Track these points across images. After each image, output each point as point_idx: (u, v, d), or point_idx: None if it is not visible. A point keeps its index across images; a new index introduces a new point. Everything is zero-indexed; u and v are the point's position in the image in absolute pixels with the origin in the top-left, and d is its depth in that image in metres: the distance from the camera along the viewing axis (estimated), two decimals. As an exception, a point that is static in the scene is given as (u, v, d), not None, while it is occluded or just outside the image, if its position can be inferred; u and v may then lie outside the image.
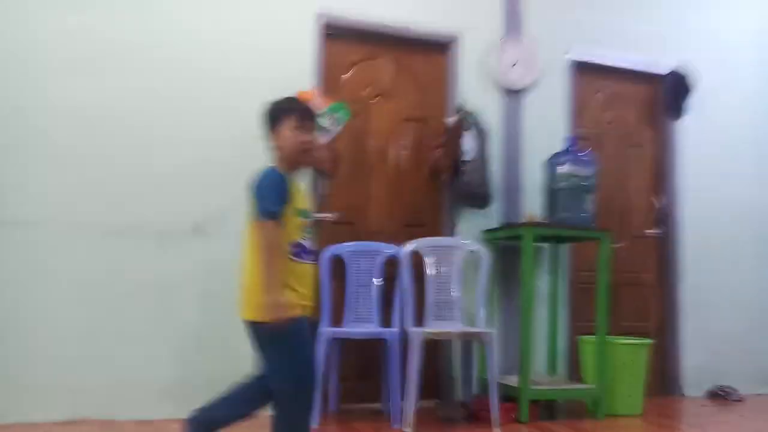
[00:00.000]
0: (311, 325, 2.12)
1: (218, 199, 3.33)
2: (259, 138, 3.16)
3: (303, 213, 2.10)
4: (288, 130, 2.09)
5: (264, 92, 3.36)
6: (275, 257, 1.93)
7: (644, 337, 3.82)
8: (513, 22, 4.06)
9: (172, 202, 3.28)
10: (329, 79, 3.70)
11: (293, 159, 2.11)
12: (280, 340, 1.94)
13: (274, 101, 2.20)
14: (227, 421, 2.10)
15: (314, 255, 2.15)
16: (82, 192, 3.16)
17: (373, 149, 3.79)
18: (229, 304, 3.18)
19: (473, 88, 3.90)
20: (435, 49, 3.95)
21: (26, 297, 3.04)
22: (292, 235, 2.03)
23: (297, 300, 1.99)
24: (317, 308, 3.33)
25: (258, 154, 3.28)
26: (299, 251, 2.04)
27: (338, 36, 3.73)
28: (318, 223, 3.55)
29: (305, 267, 2.07)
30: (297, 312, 1.97)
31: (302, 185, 2.18)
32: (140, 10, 3.33)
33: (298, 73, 3.56)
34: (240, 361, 3.01)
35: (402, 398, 3.07)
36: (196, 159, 3.35)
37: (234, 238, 3.27)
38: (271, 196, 1.97)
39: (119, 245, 3.17)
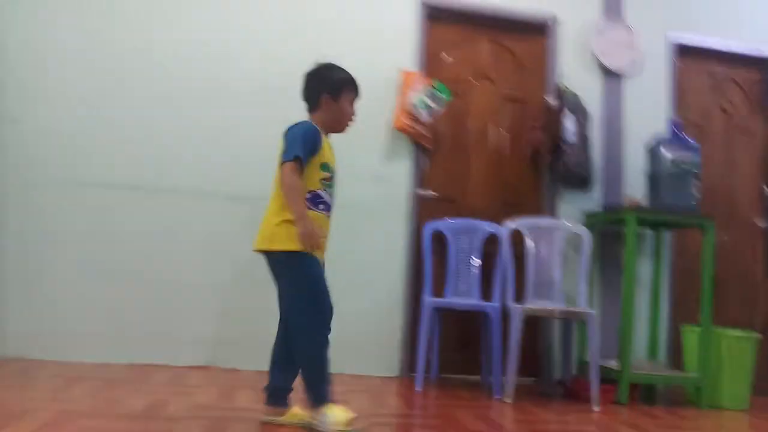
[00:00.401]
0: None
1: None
2: (361, 114, 3.33)
3: (327, 167, 2.23)
4: (347, 103, 2.30)
5: (368, 71, 3.55)
6: (299, 195, 2.11)
7: (750, 331, 3.71)
8: (613, 3, 4.02)
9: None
10: (430, 60, 3.77)
11: (336, 127, 2.32)
12: (303, 266, 2.15)
13: (333, 68, 2.33)
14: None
15: (329, 208, 2.26)
16: (211, 164, 3.43)
17: (473, 129, 3.85)
18: (331, 272, 3.41)
19: (573, 70, 3.90)
20: (535, 31, 3.96)
21: (170, 255, 3.35)
22: (313, 184, 2.19)
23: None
24: (419, 279, 3.47)
25: (360, 128, 3.48)
26: (316, 200, 2.20)
27: (440, 18, 3.80)
28: (419, 199, 3.66)
29: (318, 216, 2.20)
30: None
31: (331, 143, 2.33)
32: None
33: (400, 53, 3.66)
34: (337, 313, 3.18)
35: (502, 372, 3.12)
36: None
37: (342, 208, 3.48)
38: (300, 142, 2.13)
39: (240, 210, 3.37)
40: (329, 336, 2.21)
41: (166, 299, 3.31)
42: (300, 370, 2.20)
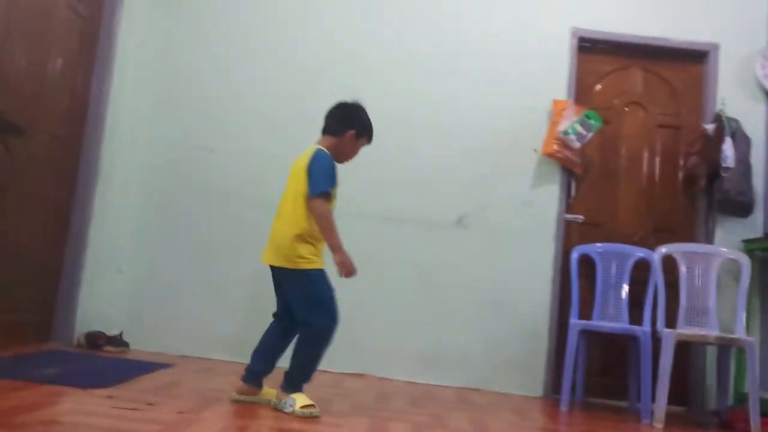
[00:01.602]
0: None
1: (478, 195, 3.73)
2: (511, 139, 3.55)
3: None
4: (357, 145, 2.56)
5: (522, 96, 3.79)
6: (333, 227, 2.39)
7: None
8: (780, 28, 3.89)
9: (438, 196, 3.73)
10: (582, 88, 3.90)
11: (340, 159, 2.54)
12: (322, 284, 2.42)
13: (364, 112, 2.58)
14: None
15: None
16: (381, 189, 3.74)
17: (624, 155, 3.89)
18: (480, 292, 3.59)
19: (733, 96, 3.82)
20: (690, 59, 3.94)
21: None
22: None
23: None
24: (566, 302, 3.56)
25: (510, 154, 3.72)
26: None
27: (592, 49, 3.92)
28: (566, 223, 3.76)
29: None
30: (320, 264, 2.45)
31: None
32: (421, 21, 3.90)
33: (553, 82, 3.84)
34: (484, 333, 3.35)
35: (652, 397, 3.11)
36: (459, 156, 3.78)
37: (491, 231, 3.68)
38: (328, 177, 2.42)
39: (403, 233, 3.69)
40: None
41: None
42: (294, 360, 2.46)
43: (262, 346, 2.57)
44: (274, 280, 2.54)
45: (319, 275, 2.44)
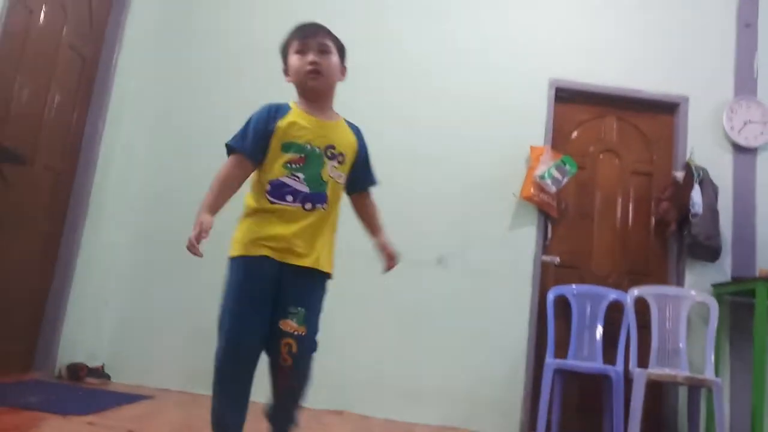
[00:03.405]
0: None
1: (459, 236, 3.85)
2: (491, 183, 3.67)
3: (293, 147, 1.79)
4: (292, 55, 1.87)
5: (501, 146, 3.95)
6: (215, 184, 1.83)
7: None
8: (746, 81, 4.11)
9: (420, 235, 3.84)
10: (559, 135, 4.08)
11: (302, 86, 1.87)
12: (227, 282, 1.84)
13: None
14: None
15: (306, 198, 1.79)
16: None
17: (599, 199, 4.05)
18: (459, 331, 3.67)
19: (703, 146, 4.00)
20: (662, 109, 4.15)
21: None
22: (273, 173, 1.79)
23: (256, 239, 1.78)
24: (542, 342, 3.64)
25: (490, 197, 3.86)
26: (281, 191, 1.78)
27: (569, 98, 4.12)
28: (543, 265, 3.88)
29: (284, 209, 1.77)
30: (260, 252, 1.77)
31: (314, 119, 1.86)
32: (405, 71, 4.07)
33: (531, 129, 4.01)
34: (463, 371, 3.42)
35: (623, 436, 3.18)
36: (441, 198, 3.92)
37: (471, 271, 3.79)
38: (239, 132, 1.84)
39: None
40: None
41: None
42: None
43: None
44: None
45: (231, 266, 1.83)
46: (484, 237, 3.87)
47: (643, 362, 3.46)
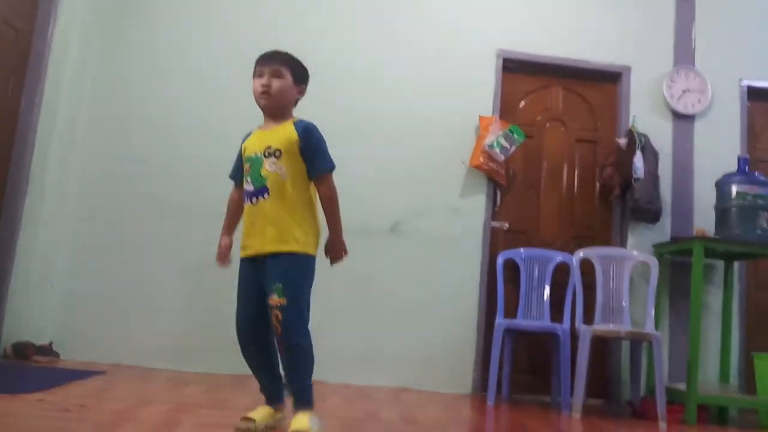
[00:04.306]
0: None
1: (411, 204, 3.91)
2: (442, 152, 3.71)
3: (247, 160, 2.19)
4: (254, 79, 2.22)
5: (451, 117, 4.01)
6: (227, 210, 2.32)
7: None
8: (685, 51, 4.26)
9: (373, 204, 3.88)
10: (507, 105, 4.15)
11: (257, 102, 2.22)
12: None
13: None
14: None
15: (255, 194, 2.14)
16: None
17: (546, 167, 4.16)
18: (412, 296, 3.73)
19: (644, 114, 4.15)
20: (605, 79, 4.26)
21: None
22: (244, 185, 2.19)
23: (241, 246, 2.19)
24: (493, 304, 3.74)
25: (441, 165, 3.92)
26: (243, 196, 2.19)
27: (516, 69, 4.19)
28: (493, 231, 3.98)
29: (246, 209, 2.18)
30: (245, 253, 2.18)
31: (261, 132, 2.24)
32: (357, 40, 4.06)
33: (480, 99, 4.07)
34: (416, 334, 3.49)
35: (571, 391, 3.31)
36: (393, 167, 3.95)
37: (423, 238, 3.85)
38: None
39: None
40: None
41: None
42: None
43: None
44: None
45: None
46: (436, 205, 3.93)
47: (588, 320, 3.61)
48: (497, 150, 3.91)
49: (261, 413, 2.16)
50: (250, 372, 2.28)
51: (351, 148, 3.90)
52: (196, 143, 3.87)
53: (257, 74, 2.21)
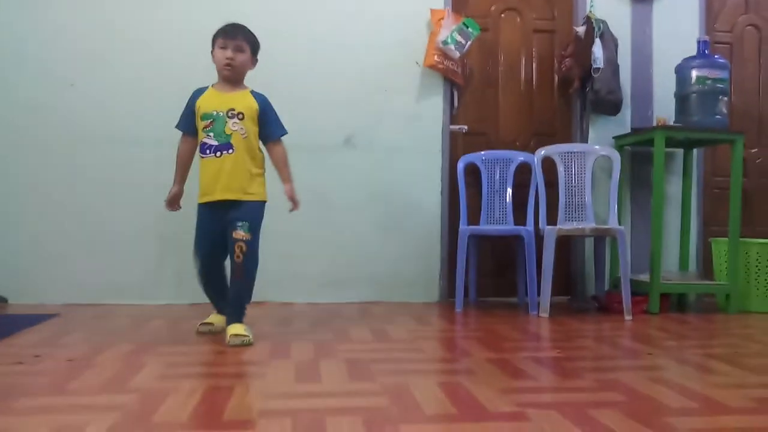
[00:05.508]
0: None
1: (364, 114, 3.70)
2: (393, 54, 3.47)
3: (205, 116, 2.49)
4: (217, 49, 2.53)
5: (400, 7, 3.73)
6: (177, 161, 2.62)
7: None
8: (642, -72, 4.01)
9: (324, 118, 3.66)
10: (459, -3, 3.88)
11: (219, 72, 2.55)
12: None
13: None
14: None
15: (219, 149, 2.47)
16: None
17: (503, 62, 3.97)
18: (374, 209, 3.61)
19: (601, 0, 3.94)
20: (562, -38, 4.00)
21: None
22: (200, 136, 2.52)
23: (201, 193, 2.53)
24: (456, 210, 3.67)
25: (393, 69, 3.69)
26: (203, 148, 2.50)
27: (467, -45, 3.88)
28: (452, 135, 3.83)
29: (207, 161, 2.49)
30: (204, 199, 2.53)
31: (221, 94, 2.53)
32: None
33: (430, -8, 3.77)
34: (380, 248, 3.41)
35: (537, 291, 3.33)
36: (342, 76, 3.70)
37: (379, 149, 3.69)
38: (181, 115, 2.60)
39: (293, 158, 3.55)
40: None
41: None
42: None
43: None
44: None
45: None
46: (390, 112, 3.74)
47: (552, 219, 3.58)
48: (452, 46, 3.69)
49: (216, 318, 2.67)
50: (207, 300, 2.70)
51: (297, 59, 3.64)
52: (129, 66, 3.52)
53: (220, 46, 2.51)
